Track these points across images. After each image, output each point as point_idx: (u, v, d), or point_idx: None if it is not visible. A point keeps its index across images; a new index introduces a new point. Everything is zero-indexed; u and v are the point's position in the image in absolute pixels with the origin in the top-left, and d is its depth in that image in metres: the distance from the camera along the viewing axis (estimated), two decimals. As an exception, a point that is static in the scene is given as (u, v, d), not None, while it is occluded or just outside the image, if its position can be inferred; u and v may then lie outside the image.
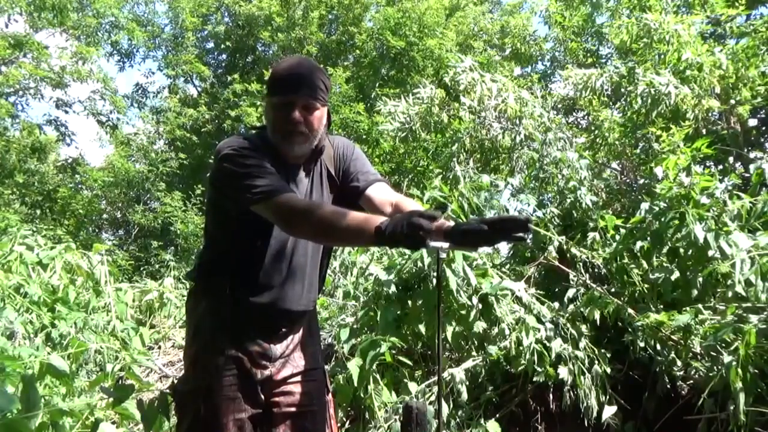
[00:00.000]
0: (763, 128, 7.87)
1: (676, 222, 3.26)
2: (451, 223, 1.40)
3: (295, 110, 1.65)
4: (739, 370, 2.55)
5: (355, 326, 3.43)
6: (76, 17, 12.14)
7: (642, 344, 3.24)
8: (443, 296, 3.10)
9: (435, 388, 3.05)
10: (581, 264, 3.73)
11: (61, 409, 2.30)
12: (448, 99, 5.78)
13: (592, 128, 6.04)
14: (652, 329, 3.21)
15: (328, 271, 4.52)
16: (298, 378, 1.74)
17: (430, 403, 2.96)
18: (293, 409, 1.72)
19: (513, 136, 4.90)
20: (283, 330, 1.73)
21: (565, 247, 3.77)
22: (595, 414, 3.16)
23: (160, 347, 4.25)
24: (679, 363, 3.21)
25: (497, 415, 3.26)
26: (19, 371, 2.33)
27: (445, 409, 3.01)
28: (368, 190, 1.76)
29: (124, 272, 8.32)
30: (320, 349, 1.92)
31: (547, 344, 3.21)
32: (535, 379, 3.20)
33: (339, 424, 3.13)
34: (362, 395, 3.04)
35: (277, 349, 1.71)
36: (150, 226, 10.62)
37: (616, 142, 5.52)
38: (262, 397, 1.68)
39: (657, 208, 3.42)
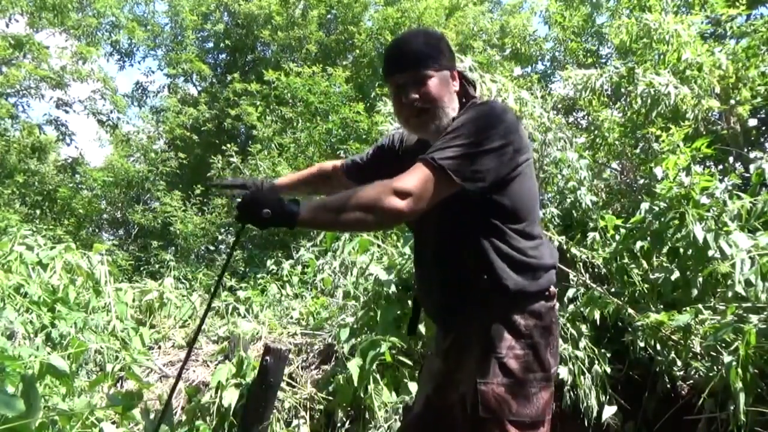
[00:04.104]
0: (763, 128, 7.86)
1: (676, 222, 3.26)
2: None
3: (398, 93, 1.52)
4: (739, 370, 2.55)
5: (355, 326, 3.43)
6: (76, 17, 12.14)
7: (642, 344, 3.24)
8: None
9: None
10: (581, 264, 3.73)
11: (61, 411, 2.30)
12: (448, 99, 5.75)
13: (592, 128, 6.02)
14: (652, 329, 3.21)
15: (329, 271, 4.54)
16: (448, 383, 1.61)
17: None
18: (440, 412, 1.62)
19: (513, 136, 4.88)
20: (443, 327, 1.67)
21: (565, 247, 3.77)
22: (595, 414, 3.16)
23: (160, 347, 4.24)
24: (679, 363, 3.21)
25: (497, 415, 3.25)
26: (19, 371, 2.33)
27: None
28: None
29: (124, 272, 8.31)
30: (478, 361, 1.53)
31: (547, 344, 3.20)
32: (535, 379, 3.19)
33: (340, 424, 3.13)
34: (362, 395, 3.03)
35: (442, 345, 1.64)
36: (150, 226, 10.60)
37: (616, 142, 5.51)
38: (437, 386, 1.66)
39: (657, 208, 3.41)
